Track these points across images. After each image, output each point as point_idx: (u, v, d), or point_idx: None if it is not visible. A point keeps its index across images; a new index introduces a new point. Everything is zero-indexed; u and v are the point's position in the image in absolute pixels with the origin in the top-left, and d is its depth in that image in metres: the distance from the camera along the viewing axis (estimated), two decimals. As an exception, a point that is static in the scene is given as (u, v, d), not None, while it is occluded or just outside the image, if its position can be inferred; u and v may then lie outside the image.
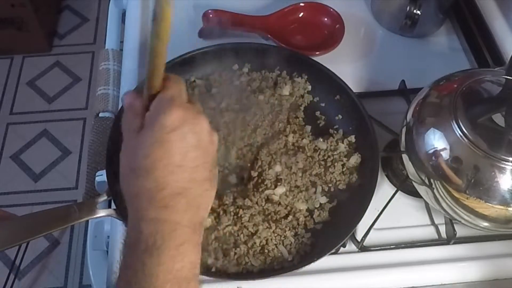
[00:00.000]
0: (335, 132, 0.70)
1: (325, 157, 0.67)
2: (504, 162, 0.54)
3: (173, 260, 0.39)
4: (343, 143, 0.68)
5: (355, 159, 0.66)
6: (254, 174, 0.65)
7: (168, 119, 0.40)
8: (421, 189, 0.63)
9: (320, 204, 0.64)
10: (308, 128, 0.70)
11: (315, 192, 0.64)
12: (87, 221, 0.60)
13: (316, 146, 0.68)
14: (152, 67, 0.42)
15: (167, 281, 0.38)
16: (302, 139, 0.68)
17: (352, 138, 0.68)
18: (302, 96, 0.73)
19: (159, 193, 0.40)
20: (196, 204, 0.42)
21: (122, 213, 0.59)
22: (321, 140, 0.68)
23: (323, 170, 0.66)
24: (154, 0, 0.38)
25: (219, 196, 0.62)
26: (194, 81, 0.73)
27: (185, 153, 0.41)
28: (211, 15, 0.86)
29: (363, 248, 0.64)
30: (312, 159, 0.66)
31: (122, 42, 0.89)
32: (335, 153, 0.67)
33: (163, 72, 0.42)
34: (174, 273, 0.38)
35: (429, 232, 0.67)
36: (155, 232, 0.39)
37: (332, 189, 0.65)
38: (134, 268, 0.38)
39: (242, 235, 0.60)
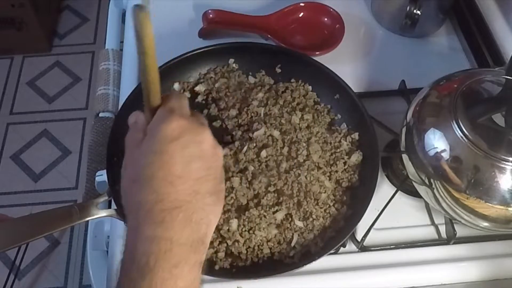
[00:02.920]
0: (339, 128, 0.70)
1: (330, 154, 0.67)
2: (504, 162, 0.54)
3: (165, 284, 0.37)
4: (346, 140, 0.68)
5: (356, 157, 0.66)
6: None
7: (168, 128, 0.40)
8: (421, 189, 0.63)
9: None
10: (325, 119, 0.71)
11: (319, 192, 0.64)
12: (87, 221, 0.60)
13: (325, 137, 0.68)
14: (147, 83, 0.42)
15: None
16: (313, 128, 0.69)
17: (356, 136, 0.68)
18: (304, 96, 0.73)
19: (157, 205, 0.38)
20: (196, 219, 0.40)
21: (122, 213, 0.59)
22: (327, 135, 0.69)
23: (328, 168, 0.66)
24: (133, 18, 0.37)
25: None
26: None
27: (187, 163, 0.40)
28: (211, 15, 0.86)
29: (363, 248, 0.64)
30: (322, 151, 0.66)
31: (122, 42, 0.89)
32: (338, 150, 0.67)
33: (159, 88, 0.42)
34: None
35: (429, 232, 0.67)
36: (150, 252, 0.37)
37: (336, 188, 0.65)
38: None
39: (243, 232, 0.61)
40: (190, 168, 0.40)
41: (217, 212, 0.43)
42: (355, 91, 0.70)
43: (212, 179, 0.42)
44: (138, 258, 0.37)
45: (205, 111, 0.70)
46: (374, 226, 0.64)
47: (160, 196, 0.39)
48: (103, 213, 0.59)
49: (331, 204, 0.63)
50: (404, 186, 0.68)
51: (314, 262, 0.57)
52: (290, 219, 0.62)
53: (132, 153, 0.42)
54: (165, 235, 0.38)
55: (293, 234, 0.61)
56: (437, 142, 0.58)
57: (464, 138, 0.56)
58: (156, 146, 0.39)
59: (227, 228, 0.60)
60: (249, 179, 0.63)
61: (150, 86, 0.42)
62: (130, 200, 0.41)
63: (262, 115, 0.68)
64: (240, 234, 0.60)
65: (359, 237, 0.64)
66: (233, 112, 0.70)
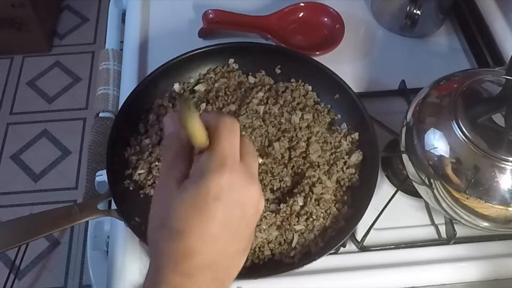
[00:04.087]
0: (339, 128, 0.70)
1: (330, 154, 0.67)
2: (504, 162, 0.54)
3: None
4: (346, 140, 0.68)
5: (356, 157, 0.66)
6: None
7: (215, 184, 0.36)
8: (421, 189, 0.63)
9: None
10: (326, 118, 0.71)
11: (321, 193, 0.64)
12: (87, 221, 0.60)
13: (325, 137, 0.68)
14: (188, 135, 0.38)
15: None
16: (313, 127, 0.69)
17: (356, 136, 0.68)
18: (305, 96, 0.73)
19: (187, 261, 0.37)
20: (222, 277, 0.39)
21: (122, 213, 0.60)
22: (328, 134, 0.68)
23: (328, 168, 0.66)
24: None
25: None
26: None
27: (224, 225, 0.37)
28: (211, 15, 0.86)
29: (363, 248, 0.64)
30: (323, 151, 0.66)
31: (122, 42, 0.89)
32: (338, 150, 0.67)
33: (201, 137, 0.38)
34: None
35: (429, 232, 0.67)
36: None
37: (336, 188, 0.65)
38: None
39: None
40: (227, 229, 0.38)
41: (242, 263, 0.42)
42: (355, 91, 0.70)
43: (245, 239, 0.40)
44: None
45: (203, 105, 0.70)
46: (374, 226, 0.64)
47: (191, 253, 0.37)
48: (103, 213, 0.59)
49: (332, 204, 0.63)
50: (404, 186, 0.68)
51: (314, 262, 0.57)
52: (290, 219, 0.62)
53: (167, 188, 0.38)
54: (190, 287, 0.38)
55: (293, 234, 0.61)
56: (437, 142, 0.58)
57: (464, 138, 0.56)
58: (197, 202, 0.36)
59: None
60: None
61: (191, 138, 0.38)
62: (157, 242, 0.39)
63: (261, 113, 0.69)
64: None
65: (359, 237, 0.64)
66: (232, 108, 0.70)
